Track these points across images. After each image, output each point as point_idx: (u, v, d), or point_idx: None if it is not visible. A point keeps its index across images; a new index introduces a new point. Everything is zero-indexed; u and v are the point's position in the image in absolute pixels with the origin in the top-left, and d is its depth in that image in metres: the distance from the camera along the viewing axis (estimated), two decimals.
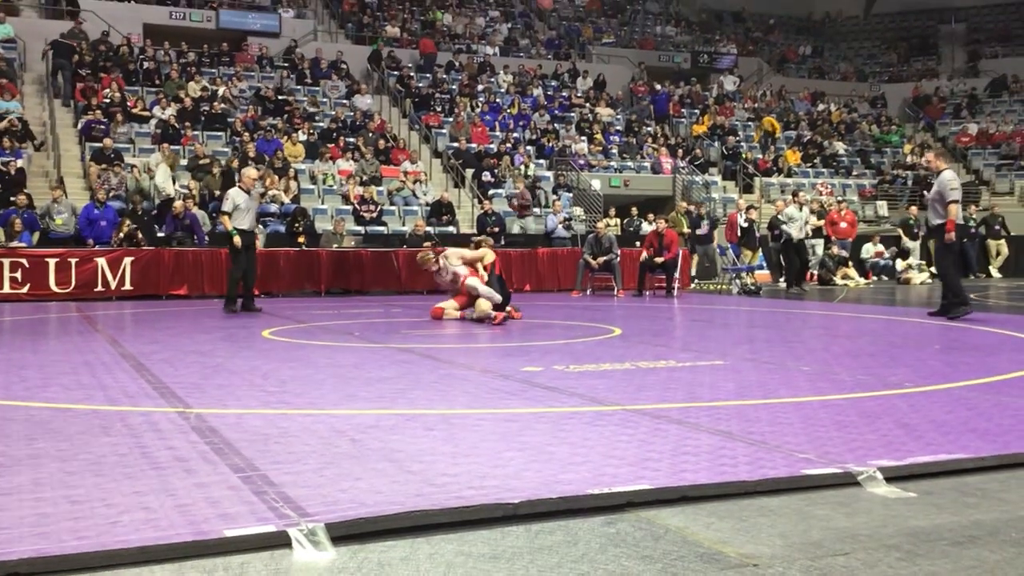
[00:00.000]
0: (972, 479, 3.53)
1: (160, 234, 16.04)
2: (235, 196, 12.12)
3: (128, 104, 21.03)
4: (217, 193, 17.61)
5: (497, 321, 10.37)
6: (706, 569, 2.58)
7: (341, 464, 3.62)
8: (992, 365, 6.58)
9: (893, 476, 3.48)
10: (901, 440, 4.04)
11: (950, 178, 10.45)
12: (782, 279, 18.85)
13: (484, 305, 10.64)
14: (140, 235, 15.69)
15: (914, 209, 22.90)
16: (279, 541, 2.74)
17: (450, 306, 11.13)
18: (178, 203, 16.31)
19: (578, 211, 21.17)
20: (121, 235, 15.60)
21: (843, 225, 20.55)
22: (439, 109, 24.74)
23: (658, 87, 29.20)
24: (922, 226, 22.47)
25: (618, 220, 20.98)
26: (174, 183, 18.02)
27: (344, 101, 24.31)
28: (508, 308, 10.94)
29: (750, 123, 28.87)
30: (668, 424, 4.42)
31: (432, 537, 2.84)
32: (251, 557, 2.66)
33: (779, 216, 17.58)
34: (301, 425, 4.43)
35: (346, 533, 2.81)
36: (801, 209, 17.93)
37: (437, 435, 4.19)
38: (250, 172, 12.94)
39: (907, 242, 21.70)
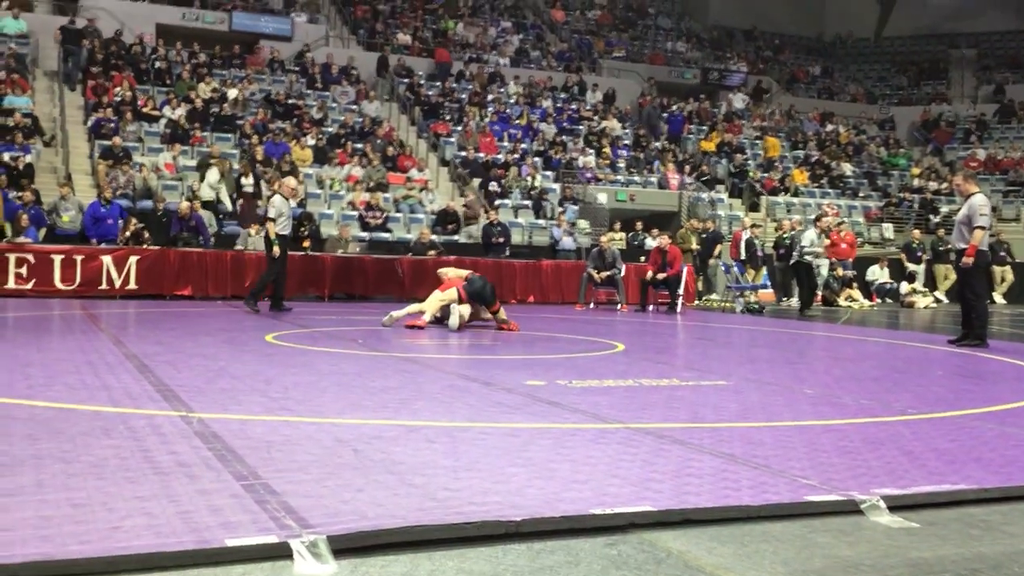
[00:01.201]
0: (976, 510, 3.52)
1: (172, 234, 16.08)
2: (280, 204, 12.73)
3: (138, 103, 21.09)
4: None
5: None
6: None
7: (343, 475, 3.61)
8: (996, 394, 6.57)
9: (896, 505, 3.46)
10: (904, 468, 4.03)
11: (981, 203, 10.08)
12: (788, 300, 18.86)
13: (451, 312, 10.67)
14: (147, 234, 15.71)
15: (917, 232, 22.89)
16: (280, 552, 2.74)
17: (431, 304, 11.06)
18: (184, 204, 16.34)
19: (583, 224, 21.19)
20: (127, 234, 15.62)
21: (843, 246, 20.56)
22: (448, 118, 24.79)
23: (674, 108, 29.17)
24: (926, 250, 22.49)
25: (623, 235, 20.98)
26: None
27: (353, 107, 24.37)
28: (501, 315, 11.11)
29: (757, 141, 28.90)
30: (671, 444, 4.41)
31: (433, 553, 2.83)
32: (252, 567, 2.65)
33: (792, 238, 17.59)
34: (304, 433, 4.43)
35: (347, 546, 2.81)
36: (820, 235, 17.89)
37: (439, 448, 4.18)
38: (290, 181, 13.54)
39: (909, 266, 21.68)
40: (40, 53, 23.34)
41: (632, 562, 2.82)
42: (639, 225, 21.52)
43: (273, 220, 12.60)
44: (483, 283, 11.17)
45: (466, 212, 19.98)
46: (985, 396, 6.48)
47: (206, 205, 17.66)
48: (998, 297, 22.41)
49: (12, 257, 14.37)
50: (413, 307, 11.31)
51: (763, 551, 2.97)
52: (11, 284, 14.28)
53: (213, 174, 17.98)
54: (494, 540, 2.96)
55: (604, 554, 2.89)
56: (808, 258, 16.91)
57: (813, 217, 19.71)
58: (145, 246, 15.45)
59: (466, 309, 10.90)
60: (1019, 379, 7.61)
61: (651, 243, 19.30)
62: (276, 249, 12.53)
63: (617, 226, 20.98)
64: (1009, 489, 3.77)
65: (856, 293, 20.10)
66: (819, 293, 19.22)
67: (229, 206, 18.04)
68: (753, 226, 20.07)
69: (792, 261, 17.17)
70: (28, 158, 17.73)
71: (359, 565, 2.71)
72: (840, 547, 3.03)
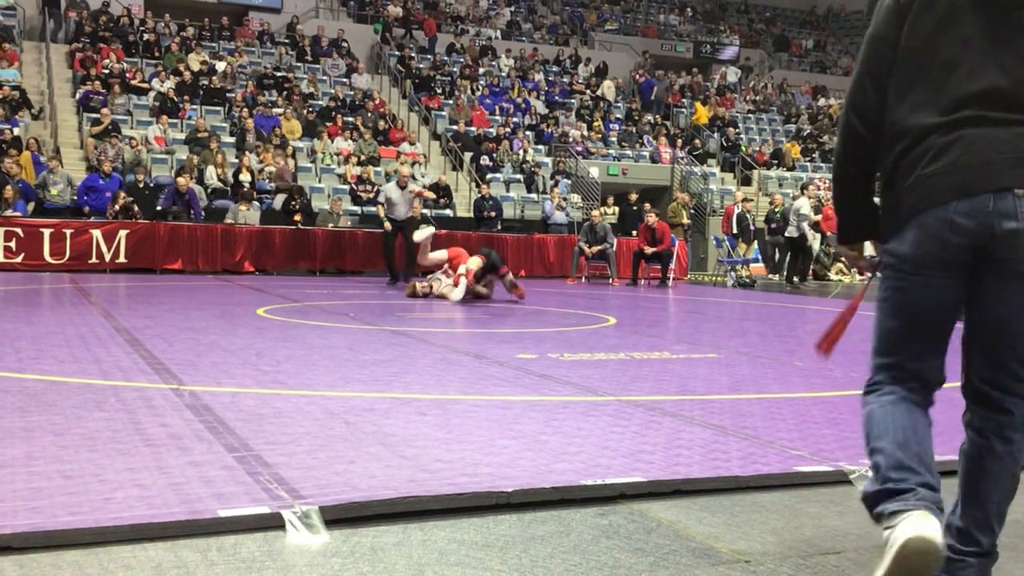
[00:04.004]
0: None
1: (158, 207, 15.99)
2: (390, 190, 14.21)
3: (127, 75, 20.92)
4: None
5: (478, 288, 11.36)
6: (698, 564, 2.59)
7: (335, 447, 3.62)
8: None
9: None
10: None
11: None
12: (778, 274, 18.92)
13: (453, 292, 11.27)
14: (136, 208, 15.62)
15: None
16: (273, 523, 2.75)
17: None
18: (181, 179, 16.24)
19: (575, 198, 21.14)
20: (117, 207, 15.53)
21: (835, 221, 20.61)
22: (439, 91, 24.66)
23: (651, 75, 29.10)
24: None
25: (616, 208, 20.89)
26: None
27: (344, 80, 24.21)
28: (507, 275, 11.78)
29: (750, 115, 28.84)
30: (662, 416, 4.43)
31: (425, 523, 2.85)
32: (244, 538, 2.66)
33: (782, 211, 17.65)
34: (295, 406, 4.43)
35: (339, 517, 2.82)
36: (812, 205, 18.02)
37: (431, 420, 4.19)
38: (403, 170, 14.98)
39: None
40: (27, 25, 23.10)
41: (623, 532, 2.83)
42: (634, 196, 21.42)
43: (382, 204, 14.08)
44: (490, 251, 12.05)
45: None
46: None
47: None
48: None
49: (1, 231, 14.29)
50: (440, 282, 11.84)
51: (753, 521, 2.99)
52: (0, 258, 14.22)
53: (212, 172, 17.80)
54: (486, 511, 2.97)
55: (595, 524, 2.90)
56: (805, 226, 17.02)
57: (800, 186, 19.76)
58: (136, 220, 15.37)
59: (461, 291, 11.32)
60: None
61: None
62: (388, 224, 13.98)
63: (611, 200, 20.92)
64: None
65: (845, 267, 20.17)
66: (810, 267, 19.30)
67: (224, 185, 17.87)
68: (744, 200, 20.08)
69: (796, 234, 17.20)
70: (16, 131, 17.58)
71: (351, 535, 2.72)
72: (829, 517, 3.06)
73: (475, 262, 11.47)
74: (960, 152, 2.06)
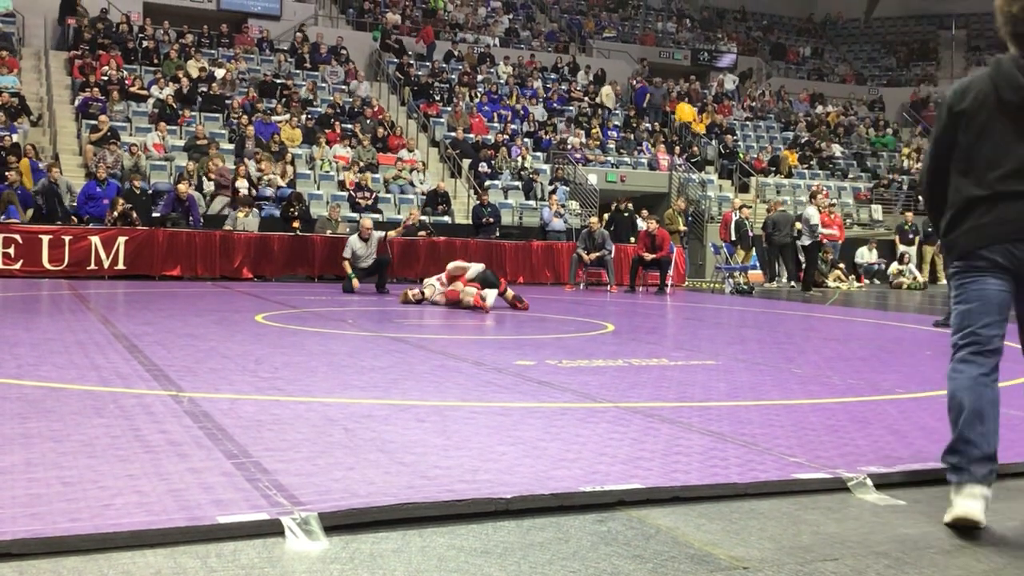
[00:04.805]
0: None
1: (155, 214, 16.00)
2: (353, 243, 14.05)
3: (126, 82, 20.94)
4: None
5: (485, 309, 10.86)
6: (696, 570, 2.60)
7: (334, 453, 3.62)
8: None
9: (883, 483, 3.50)
10: (891, 446, 4.06)
11: None
12: (780, 280, 18.99)
13: (467, 297, 11.12)
14: (135, 214, 15.64)
15: (910, 215, 22.95)
16: (272, 529, 2.75)
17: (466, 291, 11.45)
18: (182, 185, 16.25)
19: (573, 205, 21.17)
20: (115, 214, 15.54)
21: (833, 228, 20.69)
22: (438, 98, 24.70)
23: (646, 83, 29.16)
24: (919, 231, 22.59)
25: (606, 216, 20.68)
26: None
27: (343, 87, 24.25)
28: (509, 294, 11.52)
29: (747, 123, 28.89)
30: (660, 423, 4.43)
31: (424, 530, 2.85)
32: (244, 544, 2.66)
33: (777, 219, 17.82)
34: (294, 412, 4.43)
35: (339, 523, 2.82)
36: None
37: (430, 427, 4.19)
38: (364, 222, 14.67)
39: (902, 247, 21.78)
40: (27, 32, 23.14)
41: (621, 538, 2.84)
42: (629, 205, 21.45)
43: (348, 259, 13.95)
44: (484, 270, 11.71)
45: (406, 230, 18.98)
46: None
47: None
48: None
49: (0, 237, 14.29)
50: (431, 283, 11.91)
51: (751, 528, 2.99)
52: None
53: (211, 184, 17.79)
54: (484, 517, 2.98)
55: (594, 531, 2.91)
56: (818, 235, 17.39)
57: (810, 194, 19.90)
58: (135, 226, 15.37)
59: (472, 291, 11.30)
60: (1005, 360, 7.64)
61: (642, 224, 19.30)
62: (356, 282, 13.82)
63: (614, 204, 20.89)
64: None
65: (843, 274, 20.23)
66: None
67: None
68: (742, 207, 20.12)
69: (808, 242, 17.46)
70: (15, 137, 17.60)
71: (350, 542, 2.73)
72: (827, 524, 3.06)
73: (473, 270, 11.47)
74: (997, 214, 3.18)
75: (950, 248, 3.32)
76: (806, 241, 17.54)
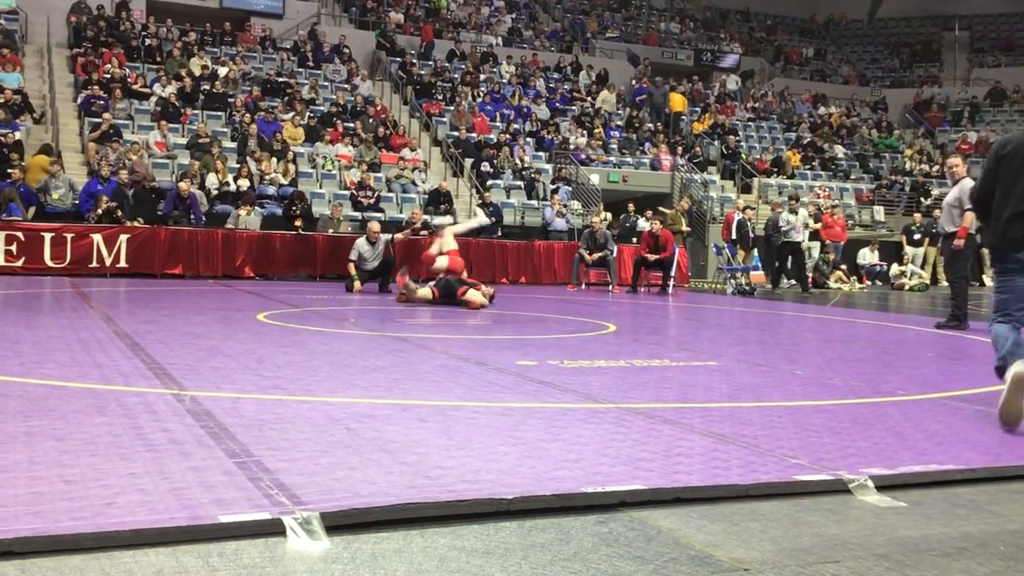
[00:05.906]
0: (963, 491, 3.56)
1: (159, 212, 15.98)
2: (360, 246, 14.04)
3: (128, 80, 20.95)
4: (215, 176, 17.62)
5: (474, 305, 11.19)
6: (697, 572, 2.60)
7: (336, 453, 3.63)
8: (984, 376, 6.59)
9: (884, 485, 3.50)
10: (893, 448, 4.06)
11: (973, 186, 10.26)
12: (787, 281, 19.02)
13: (473, 296, 11.32)
14: (120, 212, 15.50)
15: (918, 216, 22.89)
16: (274, 529, 2.75)
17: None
18: (183, 183, 16.23)
19: (575, 205, 21.16)
20: (99, 211, 15.38)
21: (836, 229, 20.72)
22: (440, 97, 24.69)
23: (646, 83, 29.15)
24: (925, 232, 22.57)
25: (609, 215, 20.76)
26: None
27: (345, 86, 24.25)
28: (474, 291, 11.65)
29: (750, 123, 28.89)
30: (662, 424, 4.44)
31: (426, 530, 2.86)
32: (245, 544, 2.67)
33: (778, 220, 17.86)
34: (296, 412, 4.44)
35: (340, 523, 2.82)
36: (796, 214, 18.23)
37: (431, 427, 4.20)
38: (372, 225, 14.57)
39: (908, 249, 21.76)
40: (30, 29, 23.14)
41: (622, 540, 2.84)
42: (631, 207, 21.47)
43: (354, 261, 13.94)
44: (446, 282, 11.87)
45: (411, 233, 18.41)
46: (973, 378, 6.53)
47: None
48: (987, 280, 22.49)
49: (2, 235, 14.30)
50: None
51: (752, 529, 3.00)
52: (1, 262, 14.22)
53: (212, 178, 17.77)
54: (486, 518, 2.98)
55: (595, 532, 2.91)
56: (797, 237, 17.45)
57: (788, 197, 19.99)
58: (127, 223, 15.29)
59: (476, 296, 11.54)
60: None
61: (643, 225, 19.30)
62: (357, 284, 13.76)
63: (600, 207, 20.90)
64: (995, 469, 3.81)
65: (844, 275, 20.21)
66: (809, 275, 19.36)
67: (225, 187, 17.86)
68: (745, 208, 20.12)
69: (780, 242, 17.59)
70: (17, 135, 17.60)
71: (352, 542, 2.73)
72: (828, 526, 3.07)
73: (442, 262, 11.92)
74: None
75: (993, 251, 4.92)
76: (778, 241, 17.78)
